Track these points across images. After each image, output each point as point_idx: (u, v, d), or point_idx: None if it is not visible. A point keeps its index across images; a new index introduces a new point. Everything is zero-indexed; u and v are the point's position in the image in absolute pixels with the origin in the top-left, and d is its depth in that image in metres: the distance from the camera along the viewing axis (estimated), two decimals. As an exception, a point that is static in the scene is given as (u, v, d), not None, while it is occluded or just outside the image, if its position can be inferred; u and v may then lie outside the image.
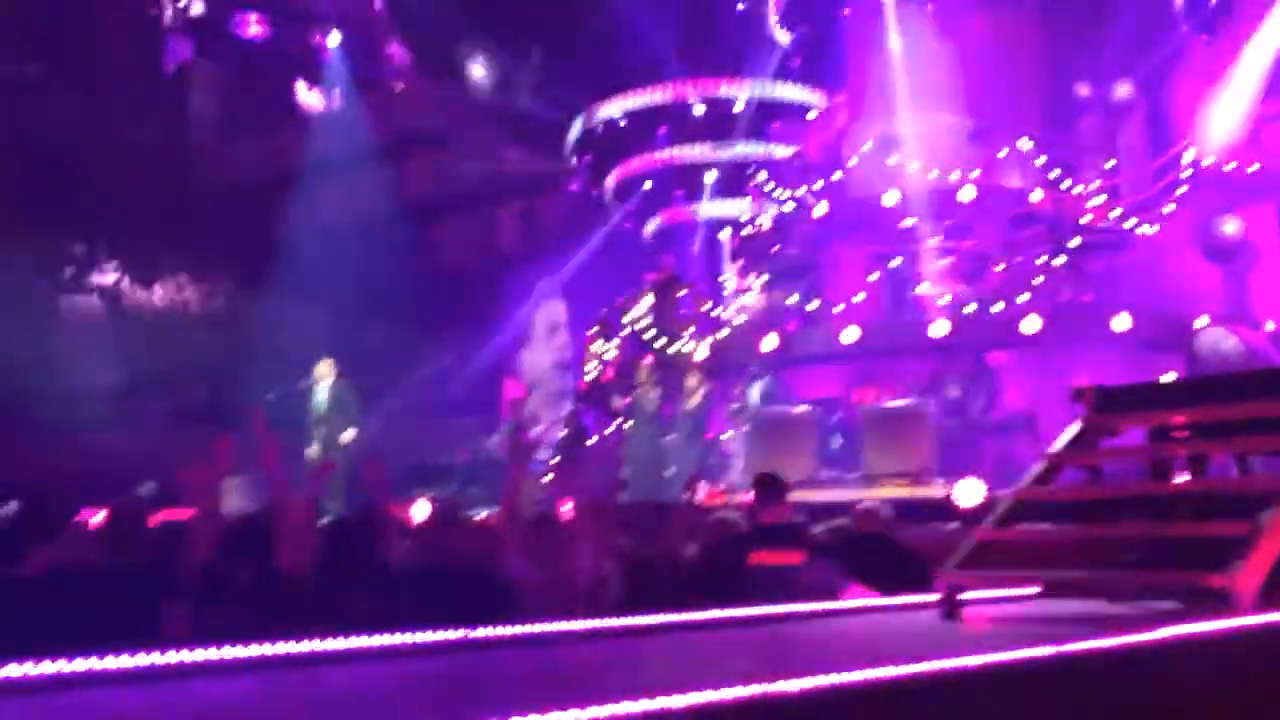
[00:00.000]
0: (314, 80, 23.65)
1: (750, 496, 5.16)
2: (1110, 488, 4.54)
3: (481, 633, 2.97)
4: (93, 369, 19.96)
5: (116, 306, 21.60)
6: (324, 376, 12.43)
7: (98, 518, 4.66)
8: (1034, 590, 3.96)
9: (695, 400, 12.91)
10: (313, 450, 12.42)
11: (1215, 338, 12.96)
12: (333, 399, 12.37)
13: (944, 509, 7.99)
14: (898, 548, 6.12)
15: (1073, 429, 4.22)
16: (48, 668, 2.34)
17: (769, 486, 4.92)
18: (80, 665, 2.37)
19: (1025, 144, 15.51)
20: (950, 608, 3.54)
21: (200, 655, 2.52)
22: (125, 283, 21.85)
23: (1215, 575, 3.11)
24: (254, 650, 2.57)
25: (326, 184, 21.26)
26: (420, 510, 8.84)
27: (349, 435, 12.27)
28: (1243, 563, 3.08)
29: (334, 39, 23.32)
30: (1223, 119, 15.22)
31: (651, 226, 23.14)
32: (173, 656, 2.49)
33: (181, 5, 22.18)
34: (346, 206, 20.80)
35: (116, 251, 21.69)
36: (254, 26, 22.96)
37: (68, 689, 2.30)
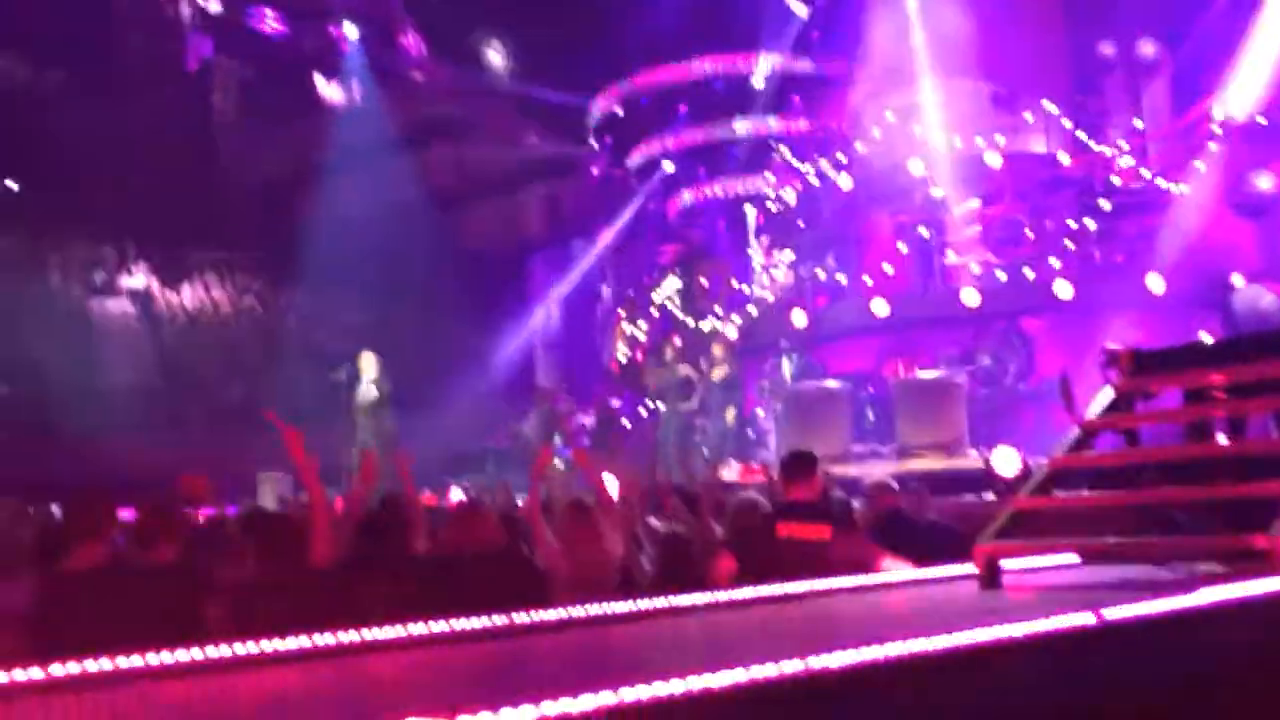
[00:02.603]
0: (332, 73, 23.72)
1: (778, 475, 5.14)
2: (1147, 451, 4.48)
3: (518, 618, 2.98)
4: (126, 371, 20.21)
5: (148, 308, 21.81)
6: (367, 370, 12.42)
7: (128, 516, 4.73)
8: (1073, 558, 3.93)
9: (721, 371, 12.85)
10: (361, 441, 12.53)
11: (1253, 295, 12.77)
12: (377, 392, 12.38)
13: (980, 479, 7.93)
14: (914, 521, 6.08)
15: (1107, 393, 4.17)
16: (95, 664, 2.38)
17: (798, 464, 4.90)
18: (125, 661, 2.41)
19: (1051, 107, 15.29)
20: (989, 578, 3.52)
21: (240, 649, 2.55)
22: (155, 284, 22.06)
23: (1258, 536, 3.06)
24: (291, 643, 2.60)
25: (350, 176, 21.33)
26: (453, 498, 8.91)
27: (390, 427, 12.26)
28: (1285, 523, 3.03)
29: (351, 31, 23.36)
30: (1250, 72, 14.93)
31: (676, 206, 23.05)
32: (212, 651, 2.53)
33: (200, 2, 22.29)
34: (371, 197, 20.88)
35: (145, 253, 21.90)
36: (271, 21, 23.03)
37: (114, 684, 2.34)
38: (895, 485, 6.38)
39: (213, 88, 23.17)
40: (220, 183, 22.69)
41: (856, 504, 6.36)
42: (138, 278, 21.86)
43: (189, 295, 22.48)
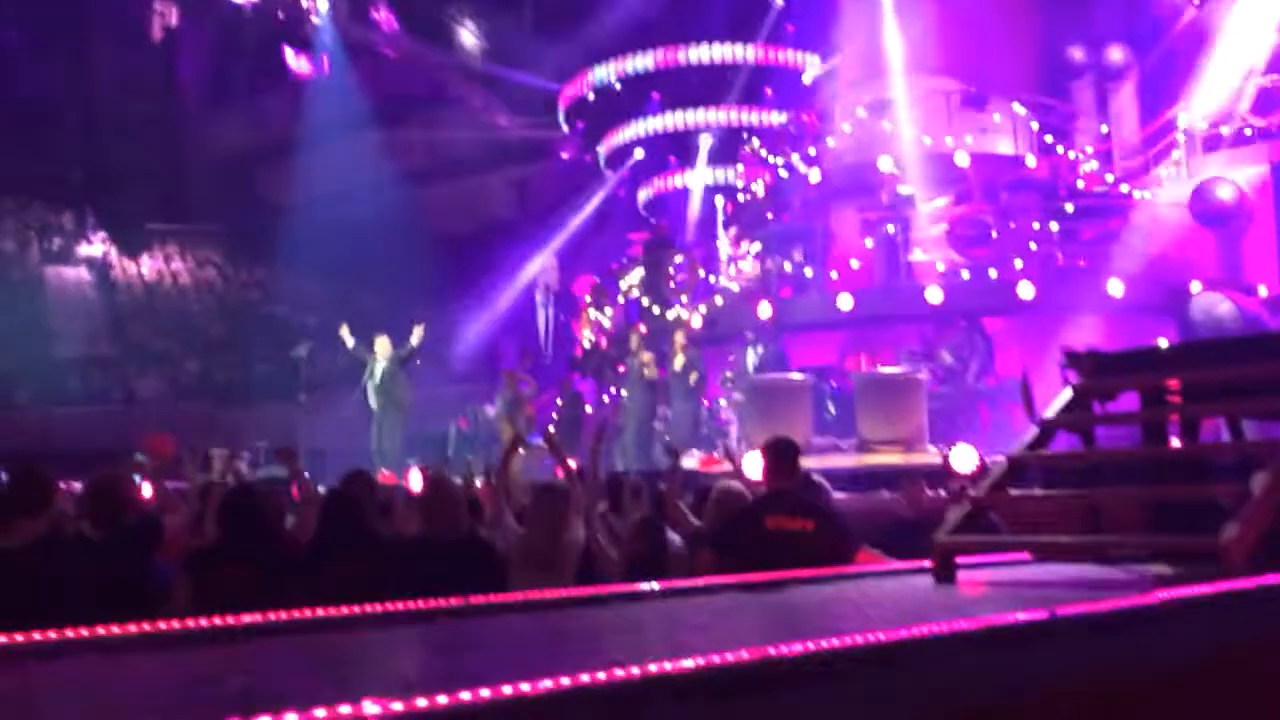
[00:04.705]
0: (303, 46, 23.42)
1: (760, 463, 5.09)
2: (1103, 452, 4.54)
3: (479, 600, 2.97)
4: (81, 341, 19.91)
5: (104, 278, 21.47)
6: (381, 352, 12.97)
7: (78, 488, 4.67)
8: (1027, 554, 3.98)
9: (681, 359, 12.85)
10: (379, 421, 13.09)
11: (1209, 303, 12.97)
12: (390, 374, 12.93)
13: (938, 475, 8.01)
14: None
15: (1066, 394, 4.22)
16: (38, 636, 2.34)
17: (781, 453, 4.84)
18: (71, 634, 2.37)
19: (1019, 109, 15.43)
20: (944, 572, 3.55)
21: (190, 625, 2.52)
22: (113, 253, 21.71)
23: (1208, 538, 3.12)
24: (244, 619, 2.57)
25: (318, 151, 21.09)
26: (415, 479, 8.84)
27: (403, 400, 13.02)
28: (1235, 526, 3.09)
29: (322, 4, 23.09)
30: (1216, 83, 15.13)
31: (645, 193, 23.03)
32: (161, 626, 2.50)
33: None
34: (338, 174, 20.68)
35: (104, 222, 21.54)
36: (241, -9, 22.71)
37: (59, 658, 2.30)
38: (825, 482, 6.36)
39: (178, 56, 22.81)
40: (183, 153, 22.39)
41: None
42: (95, 246, 21.49)
43: (147, 266, 22.14)
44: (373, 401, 13.02)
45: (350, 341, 13.04)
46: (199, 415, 17.22)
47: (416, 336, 13.04)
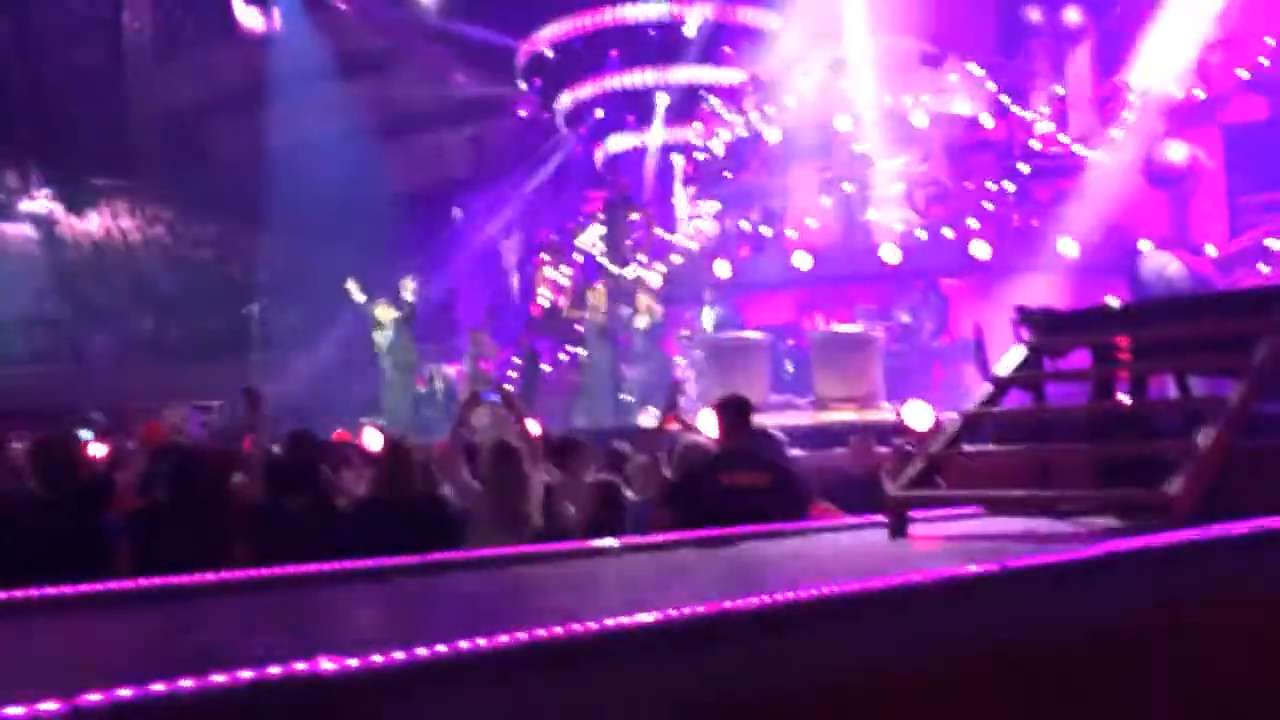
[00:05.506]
0: (254, -1, 22.85)
1: (713, 420, 5.10)
2: (1054, 409, 4.61)
3: (434, 557, 2.97)
4: (28, 300, 19.49)
5: (51, 235, 20.98)
6: (387, 318, 13.21)
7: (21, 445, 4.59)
8: (979, 509, 4.04)
9: (646, 319, 12.92)
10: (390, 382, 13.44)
11: (1160, 262, 13.18)
12: (397, 337, 13.26)
13: (893, 432, 8.10)
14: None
15: (1018, 351, 4.27)
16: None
17: (734, 410, 4.85)
18: (20, 594, 2.34)
19: (976, 69, 15.47)
20: (897, 526, 3.60)
21: (151, 582, 2.50)
22: (59, 210, 21.20)
23: (1155, 491, 3.18)
24: (205, 576, 2.55)
25: (270, 106, 20.67)
26: (372, 439, 8.79)
27: (410, 360, 13.42)
28: (1180, 479, 3.15)
29: (274, -45, 22.52)
30: (1169, 45, 15.25)
31: (603, 152, 22.85)
32: (116, 585, 2.47)
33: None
34: (291, 129, 20.27)
35: (50, 178, 21.01)
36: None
37: (8, 618, 2.27)
38: (781, 435, 6.42)
39: (124, 6, 22.17)
40: (131, 107, 21.82)
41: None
42: (40, 203, 20.99)
43: (95, 223, 21.67)
44: (383, 363, 13.32)
45: (360, 297, 13.19)
46: (149, 374, 16.97)
47: (409, 291, 13.08)
